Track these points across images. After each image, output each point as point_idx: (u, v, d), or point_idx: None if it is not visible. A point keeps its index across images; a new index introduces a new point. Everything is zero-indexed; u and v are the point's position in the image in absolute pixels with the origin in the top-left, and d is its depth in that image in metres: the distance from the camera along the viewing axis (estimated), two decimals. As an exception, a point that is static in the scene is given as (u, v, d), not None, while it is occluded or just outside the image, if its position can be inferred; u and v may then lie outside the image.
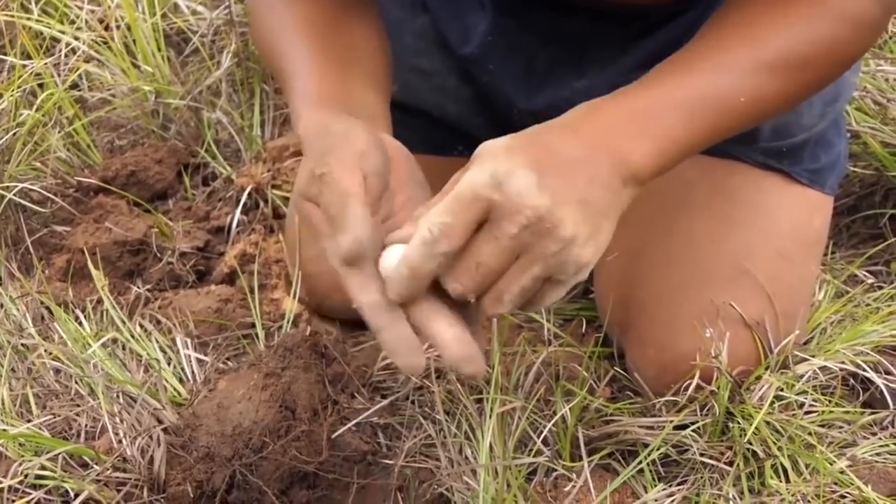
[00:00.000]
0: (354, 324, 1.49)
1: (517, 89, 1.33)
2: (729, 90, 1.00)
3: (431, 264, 0.88)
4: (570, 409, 1.22)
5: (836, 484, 1.21)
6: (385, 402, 1.31)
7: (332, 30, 1.13)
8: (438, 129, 1.43)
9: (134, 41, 1.78)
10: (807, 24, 1.02)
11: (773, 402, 1.24)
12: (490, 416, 1.20)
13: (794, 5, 1.02)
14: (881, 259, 1.56)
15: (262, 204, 1.63)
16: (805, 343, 1.35)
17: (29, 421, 1.25)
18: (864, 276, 1.50)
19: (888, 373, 1.32)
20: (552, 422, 1.22)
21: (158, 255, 1.54)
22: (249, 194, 1.63)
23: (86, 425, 1.25)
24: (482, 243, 0.88)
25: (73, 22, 1.83)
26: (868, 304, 1.43)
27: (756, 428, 1.22)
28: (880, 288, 1.48)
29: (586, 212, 0.89)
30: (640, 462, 1.22)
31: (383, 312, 0.90)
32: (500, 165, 0.87)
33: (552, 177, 0.88)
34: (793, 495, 1.19)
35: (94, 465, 1.20)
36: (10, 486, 1.17)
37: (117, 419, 1.23)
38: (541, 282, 0.91)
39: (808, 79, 1.04)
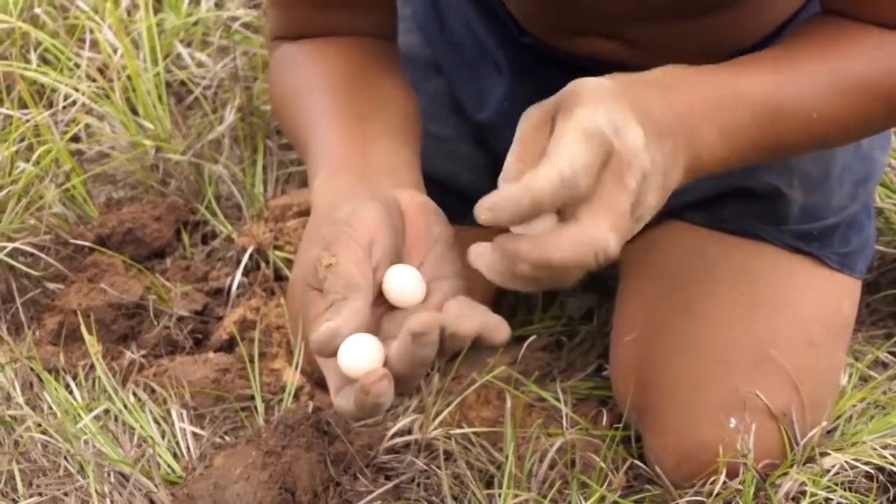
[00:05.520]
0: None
1: (534, 156, 1.29)
2: (806, 102, 0.94)
3: (558, 197, 0.78)
4: (587, 506, 1.16)
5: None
6: (389, 484, 1.24)
7: (356, 83, 1.08)
8: (450, 198, 1.37)
9: (135, 91, 1.72)
10: (886, 52, 0.97)
11: (798, 499, 1.19)
12: (502, 509, 1.14)
13: (870, 31, 0.97)
14: (904, 341, 1.51)
15: (263, 265, 1.58)
16: (829, 432, 1.30)
17: (14, 501, 1.19)
18: (888, 357, 1.45)
19: (916, 466, 1.26)
20: (569, 521, 1.16)
21: (155, 319, 1.48)
22: (250, 255, 1.57)
23: (74, 506, 1.19)
24: (619, 193, 0.79)
25: (71, 70, 1.77)
26: (895, 392, 1.38)
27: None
28: (904, 371, 1.43)
29: (665, 185, 0.84)
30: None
31: None
32: (614, 112, 0.80)
33: (651, 139, 0.81)
34: None
35: (82, 551, 1.14)
36: (-9, 573, 1.11)
37: (107, 501, 1.17)
38: None
39: (875, 109, 0.99)
